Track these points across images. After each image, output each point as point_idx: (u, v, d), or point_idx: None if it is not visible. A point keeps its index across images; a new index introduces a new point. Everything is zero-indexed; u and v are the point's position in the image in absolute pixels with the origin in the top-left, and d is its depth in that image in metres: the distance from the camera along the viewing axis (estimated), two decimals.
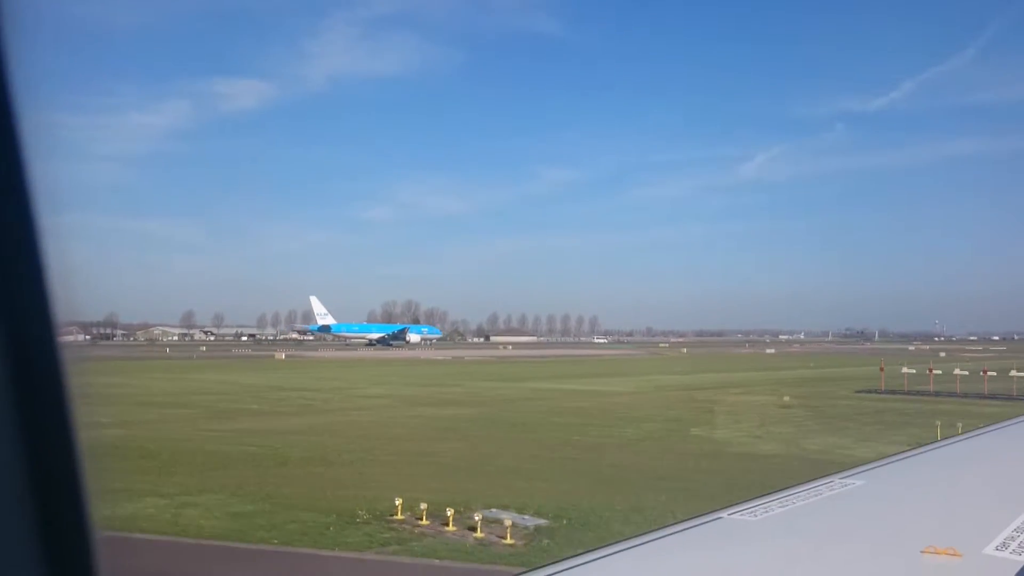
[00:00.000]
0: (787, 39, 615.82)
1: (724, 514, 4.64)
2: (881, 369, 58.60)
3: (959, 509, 5.09)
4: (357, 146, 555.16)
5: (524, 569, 3.92)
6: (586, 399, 50.30)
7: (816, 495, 5.16)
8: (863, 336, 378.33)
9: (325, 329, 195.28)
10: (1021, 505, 4.74)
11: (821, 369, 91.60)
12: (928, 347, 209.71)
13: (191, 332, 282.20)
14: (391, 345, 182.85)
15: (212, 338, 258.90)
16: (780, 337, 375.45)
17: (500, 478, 22.87)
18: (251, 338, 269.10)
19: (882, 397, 51.60)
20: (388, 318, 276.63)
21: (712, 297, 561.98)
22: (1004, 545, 3.95)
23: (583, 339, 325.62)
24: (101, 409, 41.73)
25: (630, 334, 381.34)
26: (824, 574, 3.72)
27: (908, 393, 52.43)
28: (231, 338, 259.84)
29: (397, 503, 17.66)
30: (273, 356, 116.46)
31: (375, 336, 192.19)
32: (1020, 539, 4.05)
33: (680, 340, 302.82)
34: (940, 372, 57.67)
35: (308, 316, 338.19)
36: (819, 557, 3.97)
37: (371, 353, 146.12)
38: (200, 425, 35.06)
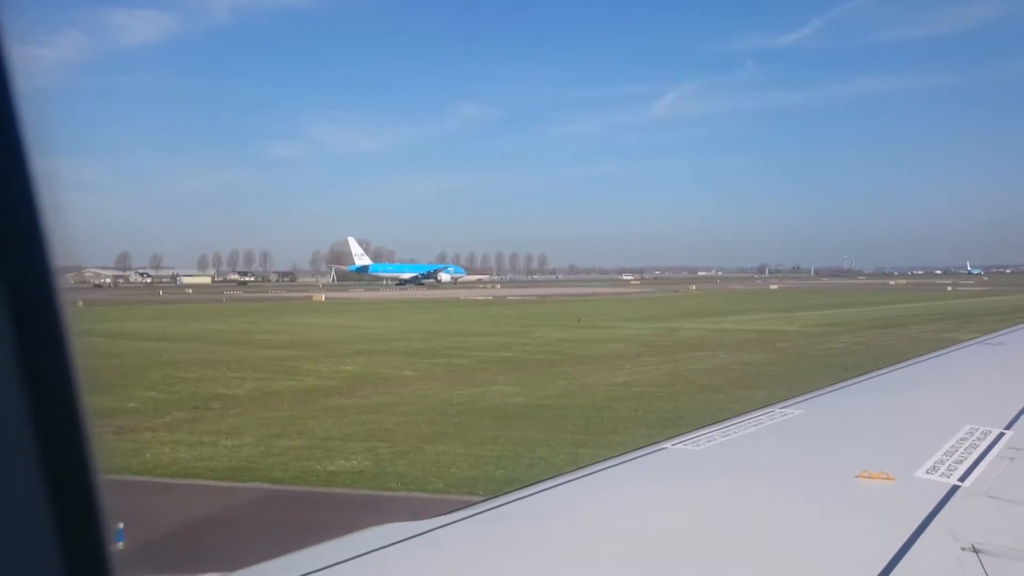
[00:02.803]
0: None
1: (668, 444, 4.75)
2: None
3: (893, 435, 5.17)
4: (265, 82, 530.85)
5: (460, 507, 3.61)
6: (810, 341, 46.95)
7: (756, 424, 5.27)
8: (800, 271, 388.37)
9: (364, 269, 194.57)
10: (951, 431, 4.83)
11: (909, 304, 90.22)
12: (904, 281, 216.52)
13: (126, 274, 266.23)
14: (423, 284, 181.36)
15: (149, 280, 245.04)
16: (699, 273, 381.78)
17: None
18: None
19: None
20: (337, 259, 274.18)
21: (628, 235, 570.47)
22: (934, 468, 4.07)
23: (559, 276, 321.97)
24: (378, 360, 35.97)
25: (553, 272, 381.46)
26: (762, 499, 3.76)
27: None
28: (167, 280, 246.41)
29: None
30: (310, 298, 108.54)
31: (407, 276, 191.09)
32: (949, 462, 4.17)
33: (635, 278, 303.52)
34: None
35: (250, 258, 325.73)
36: (758, 484, 4.06)
37: (404, 293, 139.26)
38: (552, 373, 29.87)
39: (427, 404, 23.97)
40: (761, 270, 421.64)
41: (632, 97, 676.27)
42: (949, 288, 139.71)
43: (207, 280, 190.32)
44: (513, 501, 3.69)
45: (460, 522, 3.34)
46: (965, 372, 8.67)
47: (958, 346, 10.49)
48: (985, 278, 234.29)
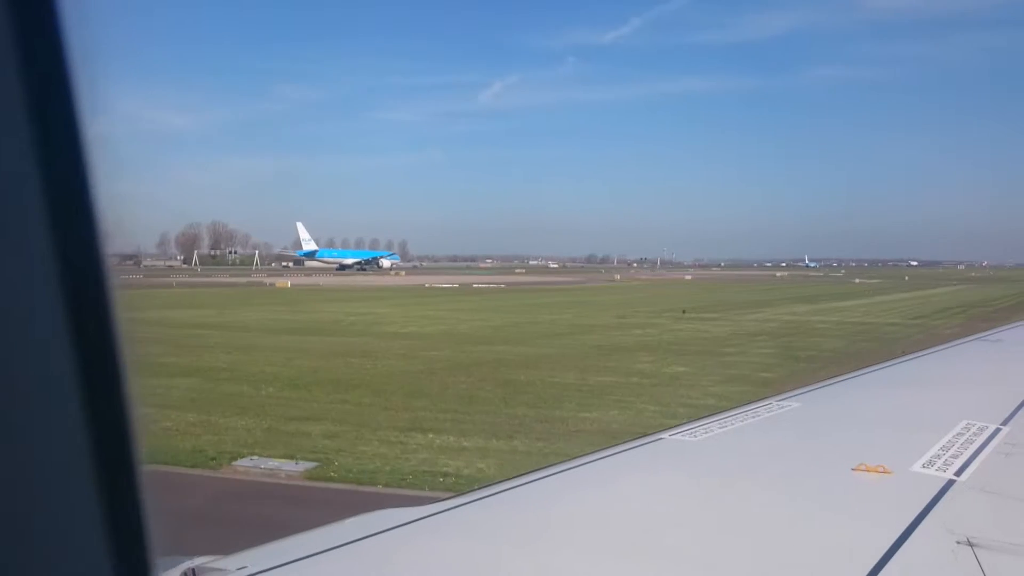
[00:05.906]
0: None
1: (665, 435, 4.72)
2: None
3: (890, 429, 5.22)
4: None
5: (455, 494, 3.75)
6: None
7: (753, 416, 5.28)
8: (648, 262, 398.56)
9: (311, 255, 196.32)
10: (948, 426, 4.83)
11: (905, 294, 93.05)
12: (787, 273, 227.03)
13: None
14: (364, 270, 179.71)
15: None
16: (529, 263, 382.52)
17: None
18: None
19: None
20: (191, 241, 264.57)
21: (455, 223, 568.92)
22: (931, 463, 4.04)
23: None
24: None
25: (413, 259, 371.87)
26: (758, 491, 3.76)
27: None
28: None
29: None
30: (274, 284, 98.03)
31: (350, 261, 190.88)
32: (946, 457, 4.14)
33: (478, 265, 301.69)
34: None
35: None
36: (754, 475, 4.06)
37: (361, 280, 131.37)
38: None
39: None
40: (591, 260, 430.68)
41: (460, 85, 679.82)
42: (857, 281, 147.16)
43: None
44: (507, 490, 3.65)
45: (452, 510, 3.31)
46: (963, 368, 8.70)
47: (956, 342, 10.65)
48: (841, 272, 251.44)
